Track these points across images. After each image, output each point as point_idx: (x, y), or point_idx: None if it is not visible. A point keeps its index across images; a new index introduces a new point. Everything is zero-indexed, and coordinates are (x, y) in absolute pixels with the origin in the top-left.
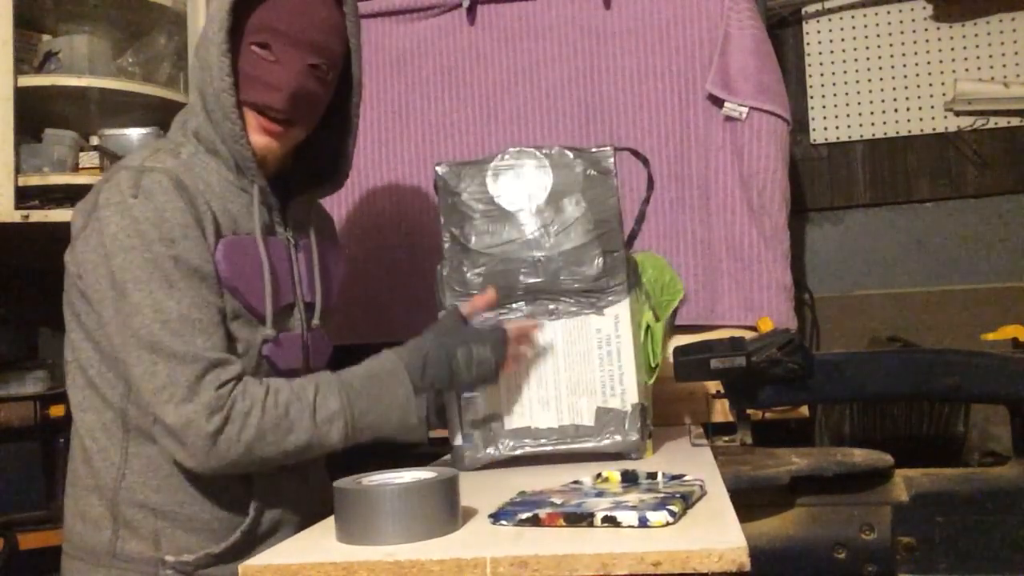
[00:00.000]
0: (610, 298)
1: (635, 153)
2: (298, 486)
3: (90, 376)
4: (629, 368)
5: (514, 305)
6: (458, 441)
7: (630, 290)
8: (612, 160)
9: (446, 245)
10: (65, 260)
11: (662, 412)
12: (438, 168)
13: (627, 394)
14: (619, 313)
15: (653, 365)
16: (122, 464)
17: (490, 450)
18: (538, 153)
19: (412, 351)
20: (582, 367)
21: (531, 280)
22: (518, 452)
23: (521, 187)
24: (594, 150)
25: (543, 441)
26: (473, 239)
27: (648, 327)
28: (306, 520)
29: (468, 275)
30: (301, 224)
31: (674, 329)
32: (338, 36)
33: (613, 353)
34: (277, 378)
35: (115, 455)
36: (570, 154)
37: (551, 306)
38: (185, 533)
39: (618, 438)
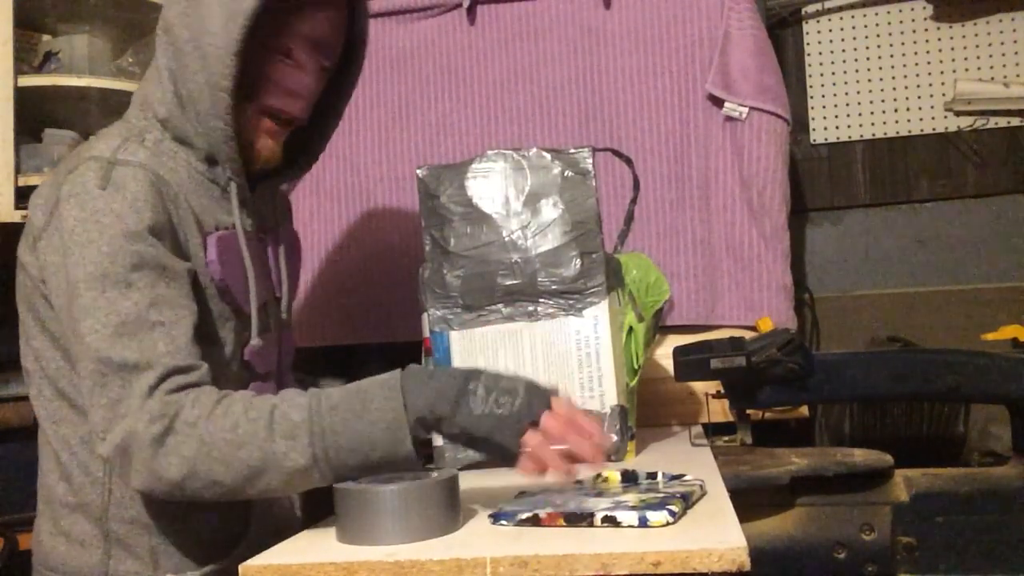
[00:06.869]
0: (589, 300)
1: (617, 153)
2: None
3: (61, 387)
4: (608, 370)
5: (493, 307)
6: (439, 441)
7: (610, 291)
8: (590, 161)
9: (427, 248)
10: (22, 260)
11: (660, 413)
12: (419, 171)
13: (606, 396)
14: (598, 315)
15: (636, 367)
16: (107, 479)
17: (470, 451)
18: (516, 155)
19: (420, 367)
20: (561, 369)
21: (509, 282)
22: None
23: (499, 189)
24: (572, 151)
25: None
26: (452, 241)
27: (631, 328)
28: (307, 524)
29: (448, 277)
30: (264, 213)
31: (659, 330)
32: (343, 34)
33: (592, 355)
34: (235, 391)
35: (97, 469)
36: (547, 156)
37: (530, 308)
38: (184, 549)
39: None
